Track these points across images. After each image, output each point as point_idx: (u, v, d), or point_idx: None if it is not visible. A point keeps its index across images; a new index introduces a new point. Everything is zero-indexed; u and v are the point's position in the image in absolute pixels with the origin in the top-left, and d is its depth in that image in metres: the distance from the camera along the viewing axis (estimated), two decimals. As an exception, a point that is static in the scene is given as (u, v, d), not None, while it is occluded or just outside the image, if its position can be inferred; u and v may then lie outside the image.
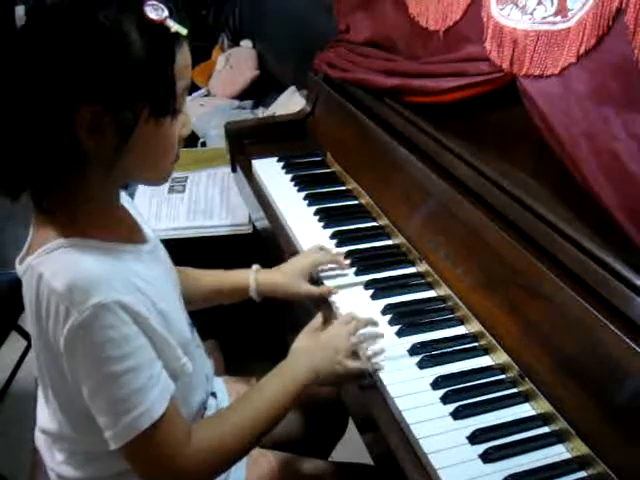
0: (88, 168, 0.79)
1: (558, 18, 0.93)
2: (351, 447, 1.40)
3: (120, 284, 0.79)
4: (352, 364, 0.97)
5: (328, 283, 1.16)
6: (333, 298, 1.12)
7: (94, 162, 0.78)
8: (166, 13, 0.76)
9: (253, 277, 1.16)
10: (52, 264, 0.78)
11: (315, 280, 1.18)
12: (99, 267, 0.78)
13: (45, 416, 0.95)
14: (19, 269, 0.84)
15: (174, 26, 0.77)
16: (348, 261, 1.21)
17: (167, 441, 0.82)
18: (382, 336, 1.02)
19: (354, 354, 0.98)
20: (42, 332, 0.80)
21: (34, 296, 0.79)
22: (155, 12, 0.75)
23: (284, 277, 1.16)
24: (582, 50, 0.90)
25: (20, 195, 0.81)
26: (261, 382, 0.95)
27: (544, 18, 0.95)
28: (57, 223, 0.81)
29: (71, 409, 0.88)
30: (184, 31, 0.78)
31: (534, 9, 0.97)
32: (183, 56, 0.79)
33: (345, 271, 1.19)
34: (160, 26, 0.76)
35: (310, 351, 0.99)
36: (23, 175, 0.79)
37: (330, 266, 1.20)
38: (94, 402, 0.80)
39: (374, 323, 1.03)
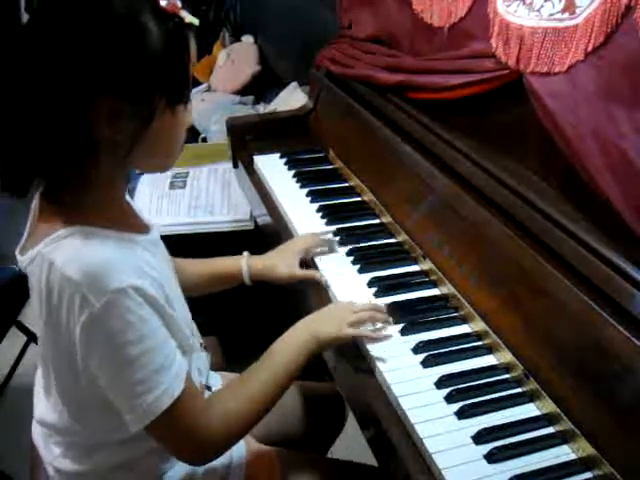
0: (101, 157, 0.79)
1: (566, 15, 0.92)
2: (349, 443, 1.40)
3: (132, 269, 0.79)
4: (354, 331, 0.99)
5: (330, 279, 1.16)
6: (336, 295, 1.12)
7: (109, 151, 0.78)
8: (179, 3, 0.77)
9: (245, 262, 1.18)
10: (63, 252, 0.78)
11: (308, 264, 1.21)
12: (110, 253, 0.79)
13: (44, 407, 0.95)
14: (21, 260, 0.83)
15: (188, 16, 0.78)
16: (350, 258, 1.21)
17: (189, 414, 0.84)
18: (390, 323, 1.04)
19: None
20: (52, 321, 0.80)
21: (44, 285, 0.79)
22: (168, 3, 0.76)
23: (274, 261, 1.19)
24: (590, 47, 0.89)
25: (28, 192, 0.81)
26: (269, 349, 0.96)
27: (551, 15, 0.94)
28: (65, 212, 0.81)
29: (75, 400, 0.88)
30: (196, 21, 0.80)
31: (541, 6, 0.96)
32: (192, 46, 0.81)
33: (349, 267, 1.19)
34: (175, 16, 0.77)
35: (315, 318, 1.02)
36: (36, 167, 0.79)
37: (322, 249, 1.23)
38: (114, 387, 0.81)
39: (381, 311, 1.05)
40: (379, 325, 1.03)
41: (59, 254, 0.78)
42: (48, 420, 0.94)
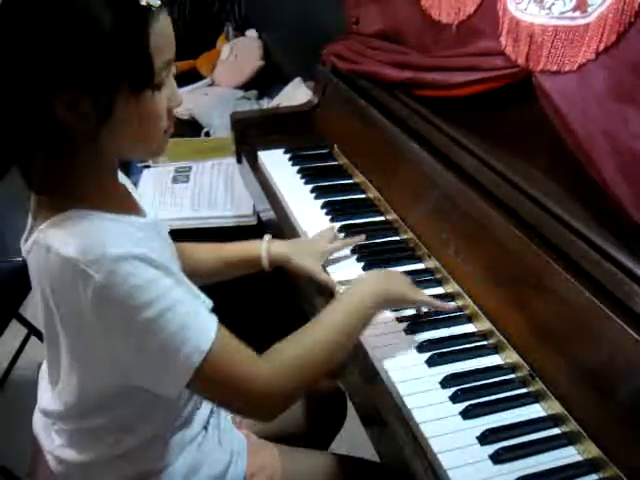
0: (76, 145, 0.78)
1: (577, 13, 0.91)
2: (350, 439, 1.39)
3: (128, 240, 0.78)
4: (422, 297, 1.02)
5: (335, 276, 1.15)
6: (340, 292, 1.11)
7: (80, 139, 0.77)
8: None
9: (265, 247, 1.16)
10: (59, 235, 0.77)
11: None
12: (104, 227, 0.78)
13: (48, 397, 0.94)
14: (24, 250, 0.83)
15: None
16: (355, 256, 1.20)
17: (229, 367, 0.81)
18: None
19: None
20: (58, 304, 0.80)
21: (45, 271, 0.78)
22: None
23: (297, 250, 1.17)
24: (601, 47, 0.88)
25: (3, 176, 0.79)
26: (335, 299, 0.96)
27: (562, 13, 0.94)
28: (58, 198, 0.80)
29: (83, 384, 0.87)
30: (157, 2, 0.76)
31: (552, 4, 0.95)
32: (161, 29, 0.77)
33: (353, 264, 1.18)
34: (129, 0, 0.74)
35: (387, 277, 1.03)
36: (7, 155, 0.78)
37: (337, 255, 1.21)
38: (141, 356, 0.79)
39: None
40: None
41: (54, 238, 0.77)
42: (52, 409, 0.94)
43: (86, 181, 0.82)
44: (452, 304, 1.06)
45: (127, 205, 0.91)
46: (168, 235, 1.00)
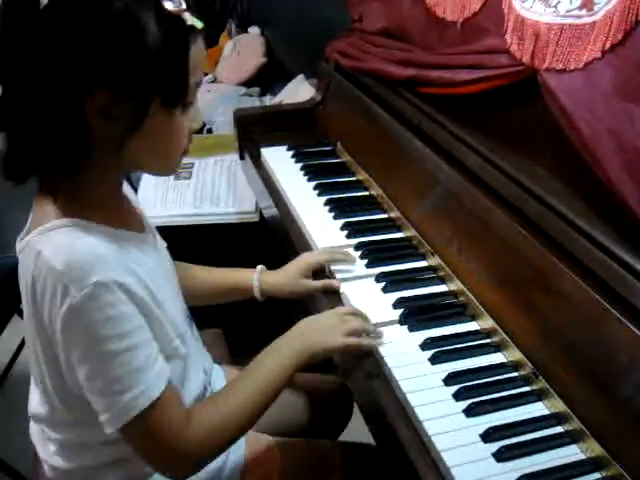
0: (96, 152, 0.79)
1: (583, 12, 0.91)
2: (352, 436, 1.39)
3: (118, 265, 0.79)
4: (351, 340, 0.96)
5: (339, 275, 1.15)
6: (344, 290, 1.11)
7: (102, 147, 0.79)
8: (184, 6, 0.78)
9: (257, 278, 1.16)
10: (51, 242, 0.78)
11: (326, 275, 1.17)
12: (98, 248, 0.78)
13: (36, 401, 0.94)
14: (18, 247, 0.84)
15: (190, 19, 0.78)
16: (358, 253, 1.20)
17: (165, 421, 0.82)
18: (381, 333, 1.00)
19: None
20: (36, 311, 0.80)
21: (30, 274, 0.79)
22: (173, 4, 0.76)
23: (288, 277, 1.16)
24: (607, 45, 0.88)
25: (28, 179, 0.81)
26: (257, 359, 0.94)
27: (568, 11, 0.93)
28: (59, 203, 0.81)
29: (64, 392, 0.87)
30: (200, 25, 0.80)
31: (558, 2, 0.95)
32: (197, 50, 0.81)
33: (355, 264, 1.18)
34: (177, 17, 0.77)
35: (307, 328, 0.98)
36: (34, 157, 0.80)
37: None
38: (91, 383, 0.80)
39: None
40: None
41: (47, 245, 0.78)
42: (39, 413, 0.94)
43: (94, 192, 0.83)
44: (374, 342, 0.98)
45: (128, 219, 0.92)
46: (166, 250, 1.02)
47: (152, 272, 0.87)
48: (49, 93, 0.74)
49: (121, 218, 0.88)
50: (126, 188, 0.96)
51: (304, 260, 1.18)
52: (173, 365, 0.89)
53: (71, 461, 0.94)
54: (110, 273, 0.77)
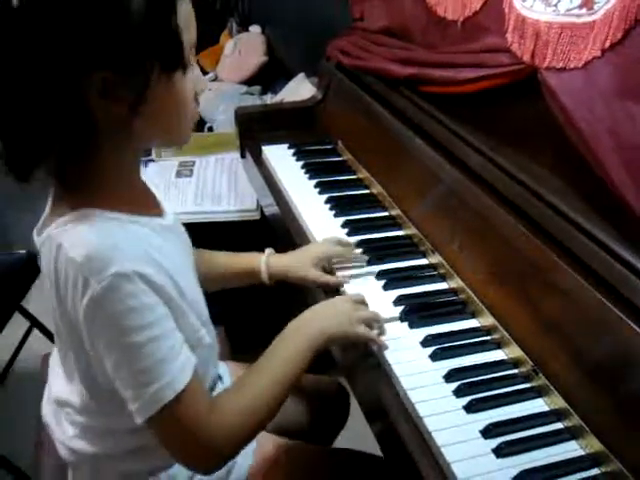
0: (102, 136, 0.77)
1: (583, 11, 0.92)
2: (352, 435, 1.40)
3: (138, 255, 0.78)
4: (364, 330, 0.97)
5: (339, 272, 1.16)
6: (345, 289, 1.12)
7: (110, 130, 0.77)
8: None
9: (265, 260, 1.15)
10: (71, 234, 0.77)
11: (328, 271, 1.17)
12: (117, 237, 0.78)
13: (64, 388, 0.94)
14: (37, 240, 0.83)
15: None
16: (358, 250, 1.20)
17: (192, 413, 0.82)
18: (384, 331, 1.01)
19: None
20: (62, 303, 0.80)
21: (53, 266, 0.79)
22: None
23: (296, 261, 1.16)
24: (607, 44, 0.89)
25: (31, 176, 0.79)
26: (273, 346, 0.93)
27: (569, 10, 0.94)
28: (76, 195, 0.80)
29: (93, 384, 0.87)
30: None
31: (558, 1, 0.95)
32: (186, 9, 0.78)
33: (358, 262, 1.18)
34: None
35: (322, 312, 0.98)
36: (35, 149, 0.77)
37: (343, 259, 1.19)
38: (117, 374, 0.80)
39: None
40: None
41: (66, 237, 0.77)
42: (67, 399, 0.94)
43: (109, 179, 0.81)
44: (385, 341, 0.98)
45: (147, 204, 0.90)
46: (188, 238, 1.00)
47: (174, 258, 0.85)
48: (43, 80, 0.71)
49: (138, 203, 0.86)
50: (146, 176, 0.94)
51: (314, 248, 1.18)
52: (197, 355, 0.87)
53: (93, 445, 0.93)
54: (130, 263, 0.76)
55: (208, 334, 0.93)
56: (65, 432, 0.96)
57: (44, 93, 0.72)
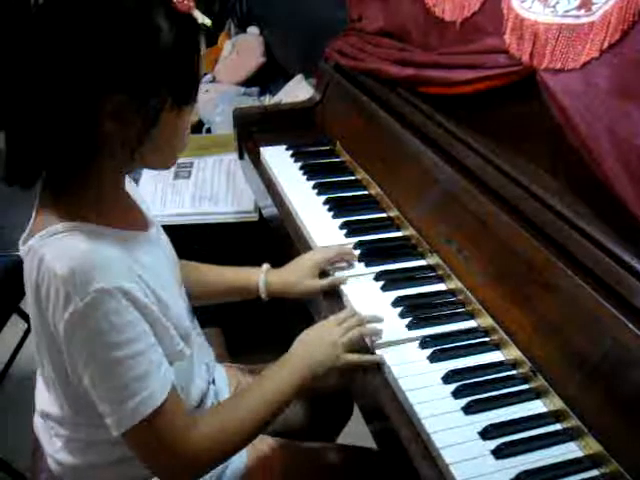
0: (105, 154, 0.78)
1: (582, 12, 0.92)
2: (351, 436, 1.40)
3: (122, 271, 0.78)
4: (351, 357, 0.97)
5: (338, 274, 1.15)
6: (343, 290, 1.11)
7: (112, 151, 0.78)
8: (193, 4, 0.77)
9: (263, 278, 1.15)
10: (54, 247, 0.77)
11: (326, 273, 1.17)
12: (101, 253, 0.78)
13: (46, 400, 0.94)
14: (22, 250, 0.83)
15: (200, 17, 0.78)
16: (357, 252, 1.20)
17: (169, 428, 0.82)
18: (380, 332, 1.00)
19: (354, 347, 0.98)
20: (42, 316, 0.80)
21: (34, 279, 0.78)
22: (183, 2, 0.75)
23: (294, 276, 1.15)
24: (605, 45, 0.89)
25: (34, 183, 0.80)
26: (263, 374, 0.95)
27: (567, 11, 0.94)
28: (61, 207, 0.80)
29: (72, 394, 0.87)
30: (209, 22, 0.80)
31: (557, 2, 0.96)
32: (204, 49, 0.81)
33: (354, 263, 1.18)
34: (187, 15, 0.76)
35: (309, 345, 0.98)
36: (42, 161, 0.79)
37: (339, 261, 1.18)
38: (95, 389, 0.80)
39: (378, 319, 1.02)
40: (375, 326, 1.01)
41: (50, 250, 0.77)
42: (50, 412, 0.94)
43: (98, 194, 0.82)
44: (378, 357, 0.97)
45: (133, 219, 0.91)
46: (170, 245, 1.01)
47: (158, 272, 0.86)
48: (61, 96, 0.72)
49: (124, 217, 0.88)
50: (128, 184, 0.94)
51: (312, 259, 1.16)
52: (178, 366, 0.89)
53: (76, 457, 0.94)
54: (113, 279, 0.76)
55: (191, 349, 0.93)
56: (53, 445, 0.97)
57: (61, 106, 0.73)
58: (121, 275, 0.77)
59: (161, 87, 0.76)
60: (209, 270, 1.17)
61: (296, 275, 1.14)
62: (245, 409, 0.90)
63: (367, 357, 0.98)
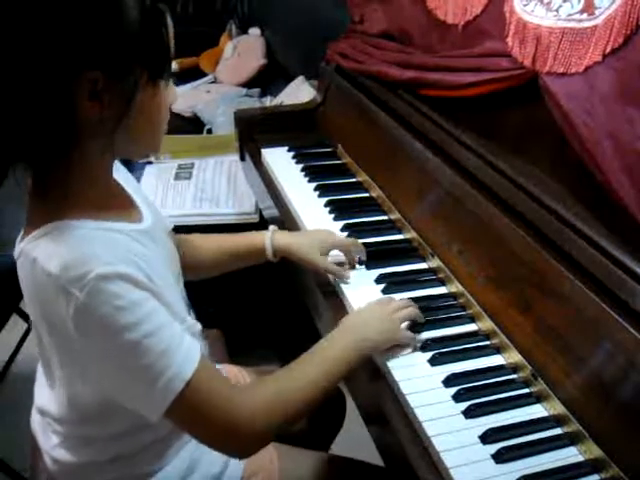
0: (87, 143, 0.77)
1: (584, 15, 0.92)
2: (350, 439, 1.39)
3: (116, 257, 0.76)
4: (406, 336, 0.99)
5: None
6: (344, 292, 1.11)
7: (92, 135, 0.76)
8: None
9: (269, 237, 1.15)
10: (44, 248, 0.76)
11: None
12: (92, 243, 0.76)
13: (45, 396, 0.94)
14: (15, 253, 0.82)
15: None
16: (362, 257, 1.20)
17: (208, 396, 0.80)
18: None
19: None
20: (45, 316, 0.79)
21: (30, 281, 0.77)
22: None
23: (302, 240, 1.16)
24: (608, 49, 0.89)
25: (6, 175, 0.77)
26: (319, 343, 0.93)
27: (570, 15, 0.94)
28: (51, 205, 0.79)
29: (75, 389, 0.86)
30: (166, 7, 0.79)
31: (560, 6, 0.96)
32: (170, 24, 0.80)
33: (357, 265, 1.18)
34: None
35: (367, 318, 0.99)
36: (14, 149, 0.76)
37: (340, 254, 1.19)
38: (120, 379, 0.78)
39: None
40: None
41: (41, 251, 0.76)
42: (49, 409, 0.93)
43: (83, 185, 0.80)
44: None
45: (122, 210, 0.88)
46: (167, 235, 0.99)
47: (153, 263, 0.83)
48: (35, 73, 0.70)
49: (115, 209, 0.85)
50: (123, 176, 0.94)
51: (326, 233, 1.17)
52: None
53: (73, 455, 0.93)
54: (108, 265, 0.74)
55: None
56: (49, 441, 0.96)
57: (35, 87, 0.71)
58: (116, 260, 0.75)
59: (133, 61, 0.74)
60: (206, 238, 1.16)
61: (307, 240, 1.15)
62: (303, 374, 0.88)
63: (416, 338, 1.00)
